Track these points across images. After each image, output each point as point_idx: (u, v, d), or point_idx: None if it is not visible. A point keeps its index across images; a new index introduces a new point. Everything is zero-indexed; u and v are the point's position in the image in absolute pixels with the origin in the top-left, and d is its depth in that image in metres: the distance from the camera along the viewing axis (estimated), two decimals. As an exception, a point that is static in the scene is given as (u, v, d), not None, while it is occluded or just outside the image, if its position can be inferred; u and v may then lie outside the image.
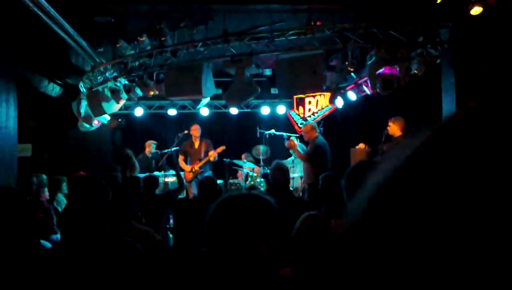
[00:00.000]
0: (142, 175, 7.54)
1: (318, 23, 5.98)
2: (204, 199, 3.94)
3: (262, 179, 7.76)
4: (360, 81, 7.55)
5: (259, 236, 1.52)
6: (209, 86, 5.94)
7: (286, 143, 7.01)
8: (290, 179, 4.29)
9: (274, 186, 4.09)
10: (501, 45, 5.18)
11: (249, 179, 7.98)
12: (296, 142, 7.16)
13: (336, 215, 3.22)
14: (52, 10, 5.01)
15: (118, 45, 6.58)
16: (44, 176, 6.47)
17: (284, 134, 8.40)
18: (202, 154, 7.93)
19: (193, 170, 7.84)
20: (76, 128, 8.16)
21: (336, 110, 8.61)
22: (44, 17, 5.05)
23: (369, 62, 6.17)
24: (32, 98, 7.38)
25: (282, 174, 4.04)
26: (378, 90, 6.11)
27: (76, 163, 7.73)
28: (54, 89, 7.66)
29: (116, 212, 3.29)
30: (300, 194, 7.54)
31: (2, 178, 4.77)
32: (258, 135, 8.29)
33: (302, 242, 2.00)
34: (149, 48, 6.49)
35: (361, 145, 7.46)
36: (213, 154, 7.76)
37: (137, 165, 7.75)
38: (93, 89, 6.89)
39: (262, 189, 7.41)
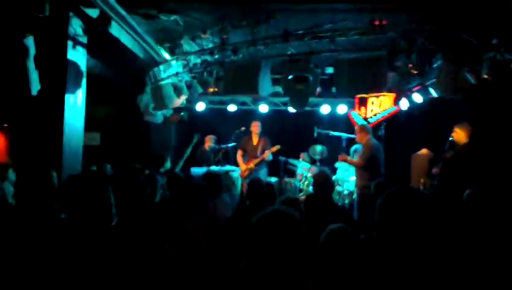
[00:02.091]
0: (198, 169, 7.79)
1: (384, 22, 5.77)
2: (252, 200, 3.98)
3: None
4: (427, 83, 7.20)
5: (291, 251, 1.58)
6: (266, 85, 5.96)
7: (339, 157, 7.10)
8: (332, 185, 4.24)
9: (316, 193, 4.06)
10: None
11: (303, 179, 7.92)
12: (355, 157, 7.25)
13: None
14: (120, 8, 5.27)
15: (181, 42, 6.79)
16: (109, 166, 6.84)
17: (343, 134, 8.24)
18: (259, 152, 8.02)
19: (249, 168, 7.94)
20: (142, 119, 8.51)
21: (400, 112, 8.29)
22: (112, 15, 5.32)
23: (435, 65, 5.87)
24: (103, 88, 7.84)
25: (325, 181, 4.00)
26: (449, 94, 5.80)
27: (140, 154, 8.10)
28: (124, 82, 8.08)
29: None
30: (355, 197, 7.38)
31: (69, 166, 5.10)
32: (316, 134, 8.20)
33: (325, 258, 1.97)
34: (211, 45, 6.63)
35: (424, 151, 7.15)
36: (268, 153, 7.81)
37: (186, 154, 8.02)
38: (157, 84, 7.16)
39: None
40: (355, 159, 7.31)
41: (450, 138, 5.95)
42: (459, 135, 5.93)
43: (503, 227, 3.50)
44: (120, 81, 8.03)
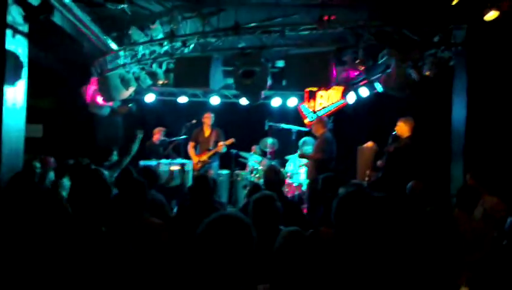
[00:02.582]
0: (148, 162, 7.64)
1: (332, 17, 5.89)
2: (197, 196, 3.95)
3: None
4: (372, 78, 7.44)
5: (241, 257, 1.58)
6: (217, 78, 5.93)
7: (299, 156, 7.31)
8: (283, 180, 4.34)
9: (267, 187, 4.13)
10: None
11: (254, 171, 7.98)
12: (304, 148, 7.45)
13: (328, 222, 3.21)
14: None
15: (129, 32, 6.59)
16: (53, 159, 6.57)
17: (293, 127, 8.36)
18: (211, 144, 7.97)
19: (202, 160, 7.89)
20: (87, 111, 8.22)
21: (347, 105, 8.52)
22: (55, 2, 5.08)
23: (380, 61, 6.07)
24: (46, 79, 7.49)
25: (275, 175, 4.08)
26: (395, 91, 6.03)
27: (85, 147, 7.83)
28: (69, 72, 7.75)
29: (127, 207, 3.31)
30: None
31: (8, 161, 4.86)
32: (267, 127, 8.25)
33: (280, 260, 2.01)
34: (161, 35, 6.48)
35: (369, 144, 7.39)
36: (222, 146, 7.78)
37: (133, 150, 7.79)
38: (103, 75, 6.92)
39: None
40: (305, 150, 7.45)
41: (394, 132, 6.20)
42: (402, 128, 6.19)
43: (441, 217, 3.66)
44: (64, 72, 7.70)
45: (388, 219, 1.81)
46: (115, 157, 7.09)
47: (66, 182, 5.73)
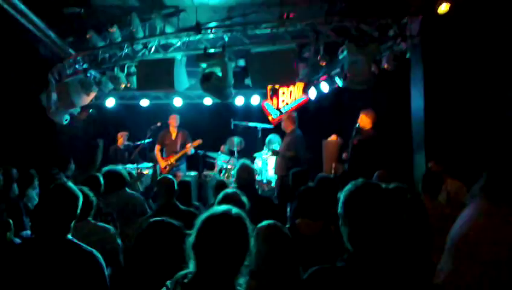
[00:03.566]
0: (116, 167, 7.49)
1: (291, 15, 5.99)
2: (162, 198, 3.93)
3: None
4: (332, 73, 7.60)
5: (241, 253, 1.63)
6: (181, 79, 5.91)
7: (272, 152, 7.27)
8: (255, 178, 4.39)
9: (240, 185, 4.17)
10: (469, 40, 5.31)
11: (223, 171, 7.99)
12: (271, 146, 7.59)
13: (303, 214, 3.29)
14: (18, 2, 4.87)
15: (87, 36, 6.43)
16: (14, 170, 6.31)
17: (258, 125, 8.44)
18: (178, 146, 7.91)
19: (169, 163, 7.81)
20: (47, 119, 7.96)
21: (309, 101, 8.67)
22: (8, 7, 4.91)
23: (341, 56, 6.22)
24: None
25: (248, 173, 4.13)
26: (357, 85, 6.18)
27: (47, 156, 7.58)
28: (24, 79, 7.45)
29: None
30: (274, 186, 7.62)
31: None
32: (232, 126, 8.28)
33: (260, 254, 2.05)
34: (120, 39, 6.37)
35: (334, 137, 7.55)
36: (189, 147, 7.74)
37: (98, 159, 7.64)
38: (62, 81, 6.73)
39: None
40: (273, 148, 7.53)
41: (356, 124, 6.37)
42: (364, 120, 6.38)
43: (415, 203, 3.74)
44: (19, 79, 7.41)
45: (396, 210, 1.75)
46: (72, 166, 6.89)
47: (32, 193, 5.54)
